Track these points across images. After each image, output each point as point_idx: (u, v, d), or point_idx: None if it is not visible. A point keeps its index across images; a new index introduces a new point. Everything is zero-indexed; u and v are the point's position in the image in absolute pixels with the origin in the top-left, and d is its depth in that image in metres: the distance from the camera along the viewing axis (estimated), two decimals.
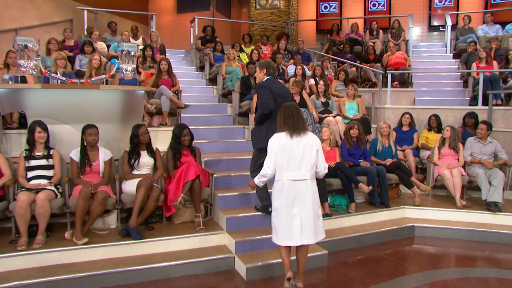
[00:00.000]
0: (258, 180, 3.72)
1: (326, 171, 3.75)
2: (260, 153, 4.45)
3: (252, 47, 10.20)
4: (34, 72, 4.70)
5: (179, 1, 13.74)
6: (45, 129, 4.50)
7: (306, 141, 3.56)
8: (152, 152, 4.87)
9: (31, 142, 4.49)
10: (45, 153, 4.51)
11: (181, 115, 6.76)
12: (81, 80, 4.89)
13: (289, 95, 4.62)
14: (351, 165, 5.85)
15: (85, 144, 4.57)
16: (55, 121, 4.80)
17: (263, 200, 4.69)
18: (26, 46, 4.57)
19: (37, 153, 4.48)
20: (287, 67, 8.97)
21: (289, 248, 3.66)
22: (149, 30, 11.40)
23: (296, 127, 3.54)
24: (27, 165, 4.41)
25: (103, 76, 5.00)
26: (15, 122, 5.71)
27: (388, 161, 6.16)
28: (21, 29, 8.89)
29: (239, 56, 8.88)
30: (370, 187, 5.54)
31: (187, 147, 5.04)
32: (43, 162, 4.47)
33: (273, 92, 4.34)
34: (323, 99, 7.06)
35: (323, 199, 5.34)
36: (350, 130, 6.05)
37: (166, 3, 13.93)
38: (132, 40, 8.77)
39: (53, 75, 4.77)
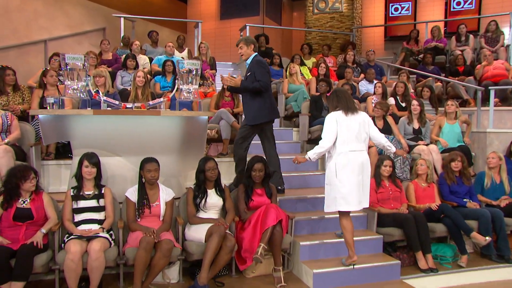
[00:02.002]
0: (314, 153, 4.36)
1: (389, 142, 4.71)
2: (252, 129, 5.25)
3: (313, 59, 10.05)
4: (84, 95, 4.65)
5: (222, 6, 13.65)
6: (95, 164, 4.34)
7: (359, 119, 4.41)
8: (221, 191, 4.70)
9: (78, 178, 4.37)
10: (96, 192, 4.37)
11: None
12: (136, 104, 4.78)
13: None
14: (455, 206, 5.50)
15: (144, 181, 4.44)
16: (106, 152, 4.69)
17: (237, 154, 5.31)
18: (67, 64, 4.54)
19: (86, 192, 4.34)
20: (358, 84, 8.71)
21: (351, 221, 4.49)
22: (191, 39, 11.43)
23: (349, 106, 4.40)
24: (74, 206, 4.28)
25: (162, 99, 4.88)
26: (52, 153, 5.68)
27: (504, 202, 5.74)
28: (51, 40, 9.03)
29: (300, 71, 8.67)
30: (488, 239, 5.14)
31: (261, 185, 4.85)
32: (93, 203, 4.33)
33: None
34: (416, 125, 6.69)
35: (425, 250, 5.01)
36: (452, 162, 5.71)
37: (208, 8, 13.92)
38: (176, 52, 8.76)
39: (105, 98, 4.69)
